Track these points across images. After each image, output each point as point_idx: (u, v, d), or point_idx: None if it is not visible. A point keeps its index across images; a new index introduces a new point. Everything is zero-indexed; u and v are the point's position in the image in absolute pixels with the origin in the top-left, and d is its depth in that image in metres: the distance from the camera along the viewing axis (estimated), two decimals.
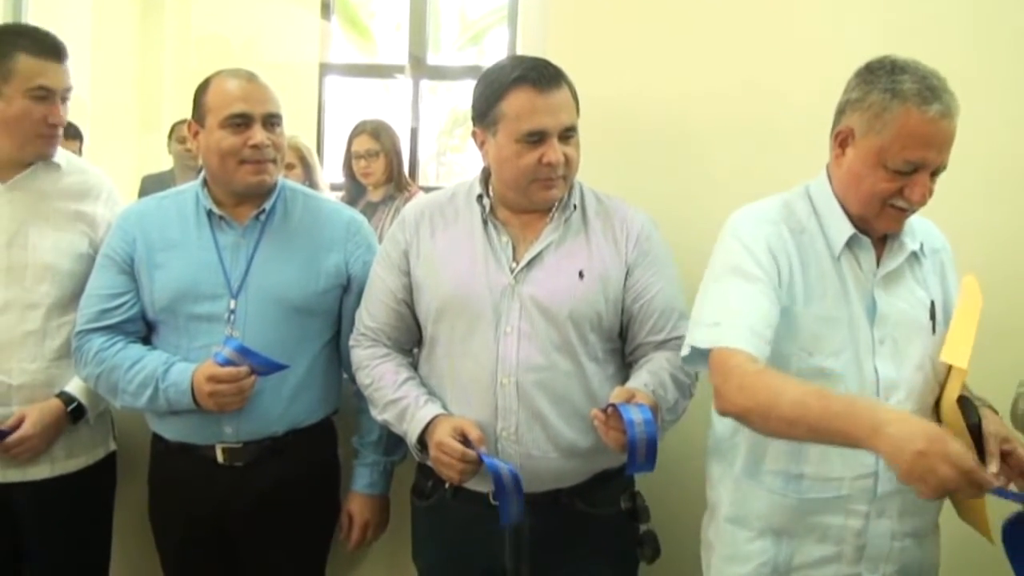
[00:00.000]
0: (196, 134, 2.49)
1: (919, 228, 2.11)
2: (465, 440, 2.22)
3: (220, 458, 2.49)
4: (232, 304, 2.45)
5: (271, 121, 2.46)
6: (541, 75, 2.22)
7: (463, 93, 2.26)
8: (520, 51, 2.93)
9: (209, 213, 2.50)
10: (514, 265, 2.29)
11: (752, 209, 2.11)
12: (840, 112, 2.01)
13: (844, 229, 2.04)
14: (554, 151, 2.22)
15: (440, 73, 6.92)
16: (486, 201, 2.34)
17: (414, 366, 2.46)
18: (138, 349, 2.49)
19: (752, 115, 2.71)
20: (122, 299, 2.50)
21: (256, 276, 2.46)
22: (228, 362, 2.35)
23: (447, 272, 2.32)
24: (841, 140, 2.01)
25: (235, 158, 2.43)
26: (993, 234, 2.58)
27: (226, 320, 2.44)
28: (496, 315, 2.27)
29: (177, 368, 2.42)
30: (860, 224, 2.03)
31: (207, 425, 2.46)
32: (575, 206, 2.34)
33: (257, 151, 2.43)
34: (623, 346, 2.38)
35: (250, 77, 2.48)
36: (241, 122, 2.42)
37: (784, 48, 2.70)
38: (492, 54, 7.90)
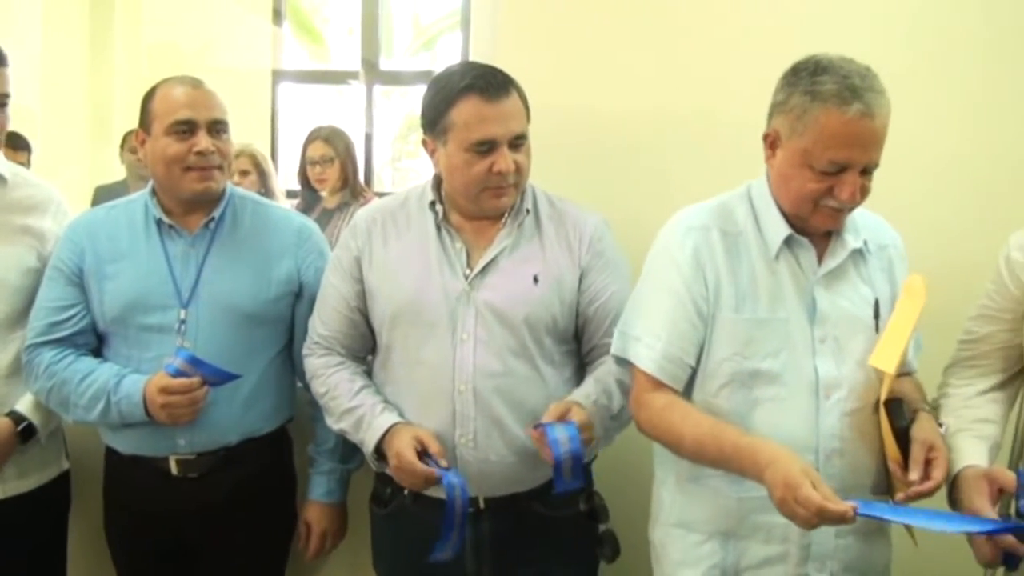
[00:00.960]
0: (143, 142, 2.47)
1: (864, 224, 2.12)
2: (424, 451, 2.21)
3: (174, 470, 2.47)
4: (182, 314, 2.42)
5: (217, 128, 2.43)
6: (489, 83, 2.21)
7: (417, 98, 2.27)
8: (472, 58, 2.93)
9: (158, 222, 2.48)
10: (468, 271, 2.28)
11: (685, 215, 2.13)
12: (769, 115, 2.02)
13: (780, 230, 2.04)
14: (504, 160, 2.20)
15: (394, 78, 6.90)
16: (439, 207, 2.33)
17: (368, 373, 2.44)
18: (89, 362, 2.46)
19: (704, 117, 2.72)
20: (72, 311, 2.47)
21: (206, 285, 2.44)
22: (180, 373, 2.32)
23: (401, 280, 2.31)
24: (770, 142, 2.02)
25: (180, 165, 2.40)
26: (943, 229, 2.59)
27: (177, 330, 2.42)
28: (452, 322, 2.26)
29: (129, 380, 2.40)
30: (798, 223, 2.04)
31: (160, 437, 2.44)
32: (528, 210, 2.33)
33: (202, 158, 2.40)
34: (579, 347, 2.38)
35: (195, 84, 2.45)
36: (186, 129, 2.39)
37: (734, 49, 2.72)
38: (445, 59, 7.87)
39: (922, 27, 2.67)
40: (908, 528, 2.01)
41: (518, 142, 2.24)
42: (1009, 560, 1.85)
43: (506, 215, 2.31)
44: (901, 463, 1.93)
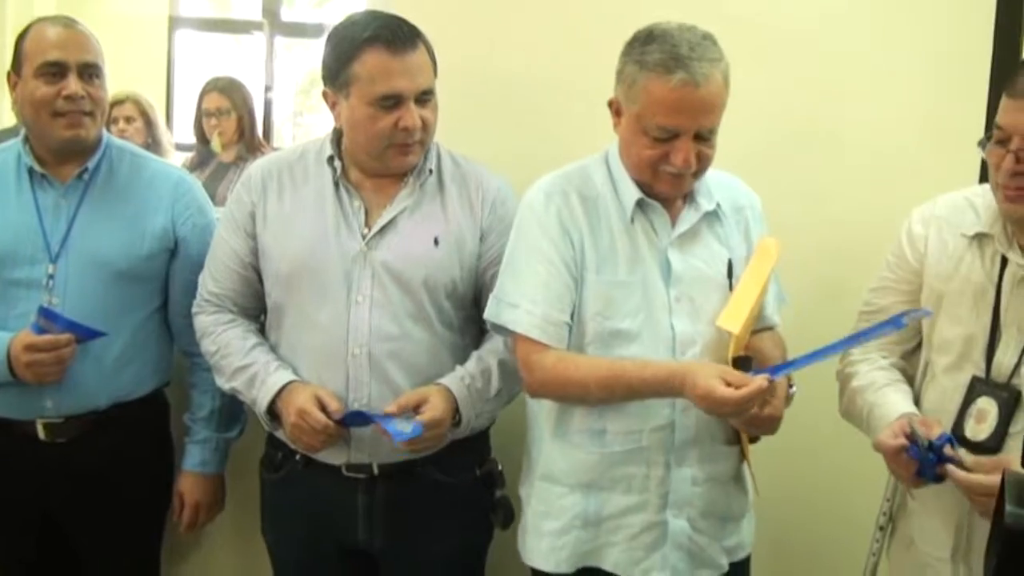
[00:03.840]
0: (15, 85, 2.37)
1: (718, 187, 2.18)
2: (324, 410, 2.17)
3: (41, 434, 2.39)
4: (51, 269, 2.34)
5: (89, 72, 2.34)
6: (395, 35, 2.15)
7: (321, 51, 2.20)
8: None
9: (30, 171, 2.39)
10: (366, 231, 2.23)
11: (543, 182, 2.16)
12: (615, 83, 2.09)
13: (633, 194, 2.10)
14: (411, 115, 2.15)
15: (297, 30, 6.75)
16: (337, 163, 2.27)
17: (262, 332, 2.39)
18: None
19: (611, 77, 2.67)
20: None
21: (77, 239, 2.36)
22: (43, 331, 2.24)
23: (295, 237, 2.25)
24: (615, 110, 2.10)
25: (48, 110, 2.32)
26: (806, 193, 2.61)
27: (44, 286, 2.33)
28: (347, 283, 2.21)
29: None
30: (648, 188, 2.10)
31: (26, 399, 2.36)
32: (431, 170, 2.29)
33: (71, 102, 2.31)
34: (480, 314, 2.32)
35: (68, 23, 2.36)
36: (56, 71, 2.31)
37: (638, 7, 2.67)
38: (349, 11, 7.69)
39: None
40: (752, 478, 2.20)
41: (425, 97, 2.19)
42: (927, 473, 1.94)
43: (409, 174, 2.26)
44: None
